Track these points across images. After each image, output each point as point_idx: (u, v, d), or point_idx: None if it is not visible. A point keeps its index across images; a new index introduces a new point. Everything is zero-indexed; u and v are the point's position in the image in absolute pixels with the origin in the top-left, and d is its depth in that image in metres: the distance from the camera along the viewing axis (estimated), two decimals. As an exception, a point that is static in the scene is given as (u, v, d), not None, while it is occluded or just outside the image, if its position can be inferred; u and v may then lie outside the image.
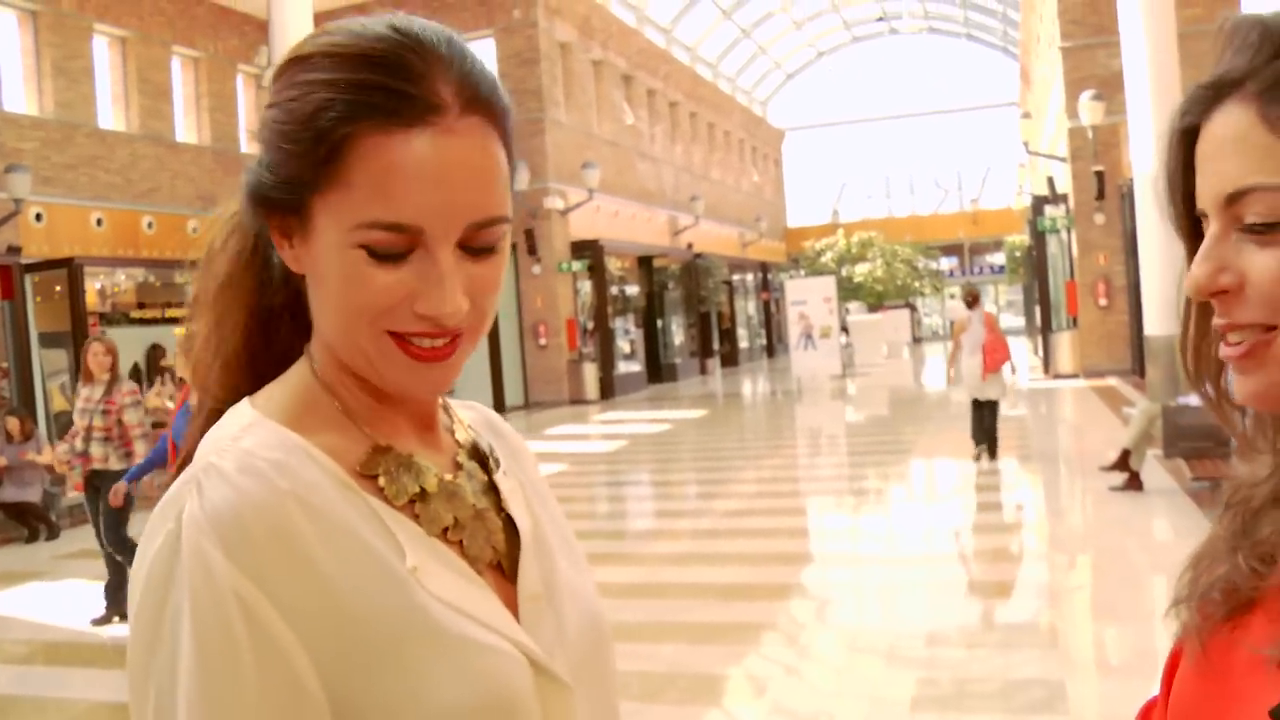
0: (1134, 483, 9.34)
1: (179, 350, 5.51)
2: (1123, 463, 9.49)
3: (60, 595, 9.04)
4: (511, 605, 0.93)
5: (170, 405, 6.74)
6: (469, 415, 1.09)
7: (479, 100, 0.86)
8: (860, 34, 48.37)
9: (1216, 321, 0.83)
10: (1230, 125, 0.80)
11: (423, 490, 0.92)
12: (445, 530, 0.92)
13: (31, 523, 11.64)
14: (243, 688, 0.78)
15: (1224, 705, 0.80)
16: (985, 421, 11.78)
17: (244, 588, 0.78)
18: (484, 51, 24.18)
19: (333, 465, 0.88)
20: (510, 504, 0.99)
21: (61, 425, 16.94)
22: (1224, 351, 0.83)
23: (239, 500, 0.81)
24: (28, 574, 9.91)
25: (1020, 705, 4.99)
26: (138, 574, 0.82)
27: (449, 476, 0.95)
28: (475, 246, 0.87)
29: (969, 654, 5.84)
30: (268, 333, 1.00)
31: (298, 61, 0.87)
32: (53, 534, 11.66)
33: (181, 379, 6.82)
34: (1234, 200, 0.79)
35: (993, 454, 11.83)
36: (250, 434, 0.87)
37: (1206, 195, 0.82)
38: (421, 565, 0.86)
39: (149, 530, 0.83)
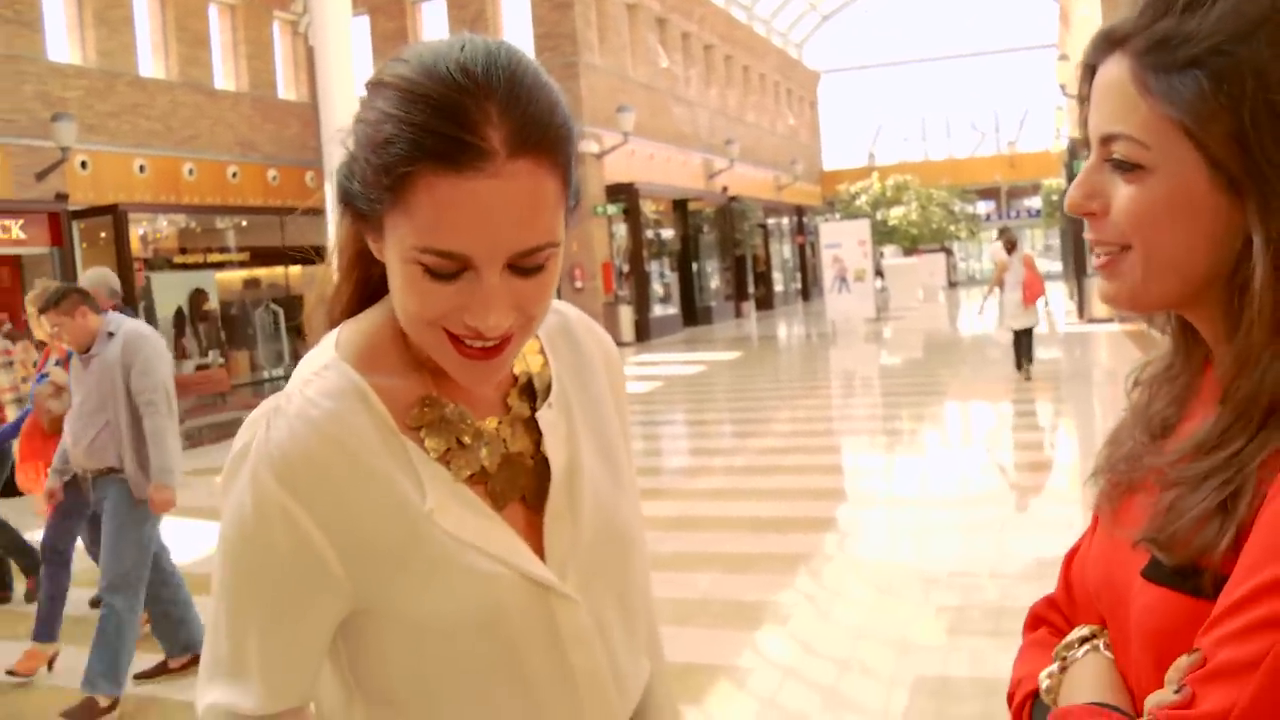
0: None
1: (29, 316, 5.15)
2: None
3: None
4: (538, 529, 1.13)
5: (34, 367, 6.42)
6: (549, 322, 1.25)
7: (529, 143, 0.97)
8: (897, -26, 47.73)
9: (1087, 236, 1.01)
10: (1112, 74, 0.95)
11: (459, 441, 1.11)
12: (472, 475, 1.11)
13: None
14: (273, 548, 1.04)
15: (1124, 568, 0.97)
16: (1024, 344, 14.07)
17: (287, 501, 1.02)
18: (518, -4, 24.13)
19: (384, 413, 1.08)
20: (549, 442, 1.16)
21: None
22: (1093, 261, 1.01)
23: (291, 443, 1.03)
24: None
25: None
26: (230, 456, 1.08)
27: (492, 423, 1.14)
28: (522, 268, 1.00)
29: (999, 588, 5.97)
30: (368, 291, 1.19)
31: (376, 87, 1.01)
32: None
33: (41, 341, 6.36)
34: (1106, 140, 0.95)
35: (1030, 361, 14.20)
36: (320, 378, 1.08)
37: (1090, 129, 0.98)
38: (440, 507, 1.07)
39: (241, 433, 1.08)
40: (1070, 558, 1.18)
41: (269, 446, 1.03)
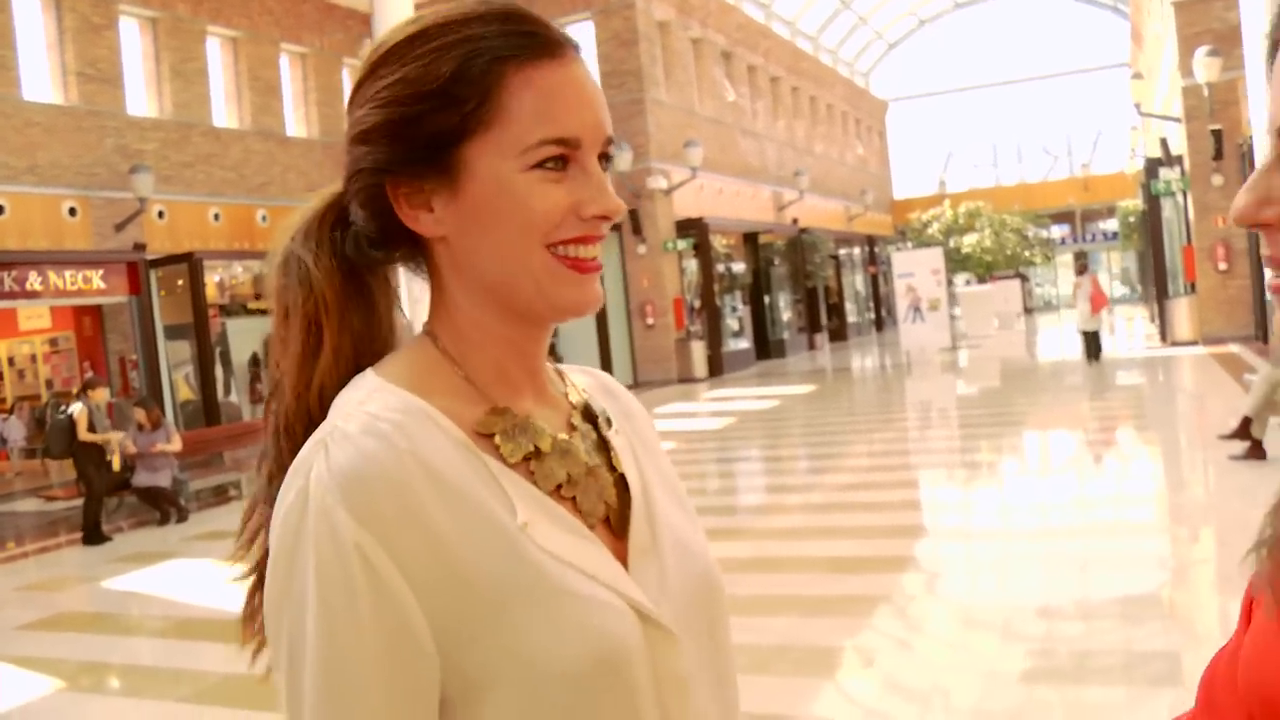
0: (1256, 451, 9.06)
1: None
2: (1244, 431, 9.20)
3: (191, 574, 9.41)
4: (622, 559, 0.98)
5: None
6: (584, 380, 1.16)
7: (574, 42, 1.00)
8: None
9: (1263, 252, 0.78)
10: None
11: (537, 449, 0.97)
12: (558, 487, 0.97)
13: (163, 506, 12.13)
14: (361, 637, 0.84)
15: None
16: (1091, 341, 19.06)
17: (365, 541, 0.85)
18: (583, 34, 24.32)
19: (452, 426, 0.94)
20: (622, 461, 1.05)
21: (188, 414, 17.61)
22: (1269, 280, 0.79)
23: (362, 460, 0.87)
24: (161, 554, 10.34)
25: (1138, 678, 4.90)
26: (273, 531, 0.89)
27: (563, 435, 1.01)
28: (605, 154, 0.99)
29: (1085, 627, 5.76)
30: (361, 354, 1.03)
31: (413, 39, 0.97)
32: (182, 517, 12.13)
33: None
34: None
35: (1097, 357, 19.12)
36: (374, 399, 0.93)
37: (1269, 118, 0.76)
38: (532, 521, 0.91)
39: (282, 493, 0.90)
40: (1212, 669, 0.94)
41: (332, 475, 0.86)
